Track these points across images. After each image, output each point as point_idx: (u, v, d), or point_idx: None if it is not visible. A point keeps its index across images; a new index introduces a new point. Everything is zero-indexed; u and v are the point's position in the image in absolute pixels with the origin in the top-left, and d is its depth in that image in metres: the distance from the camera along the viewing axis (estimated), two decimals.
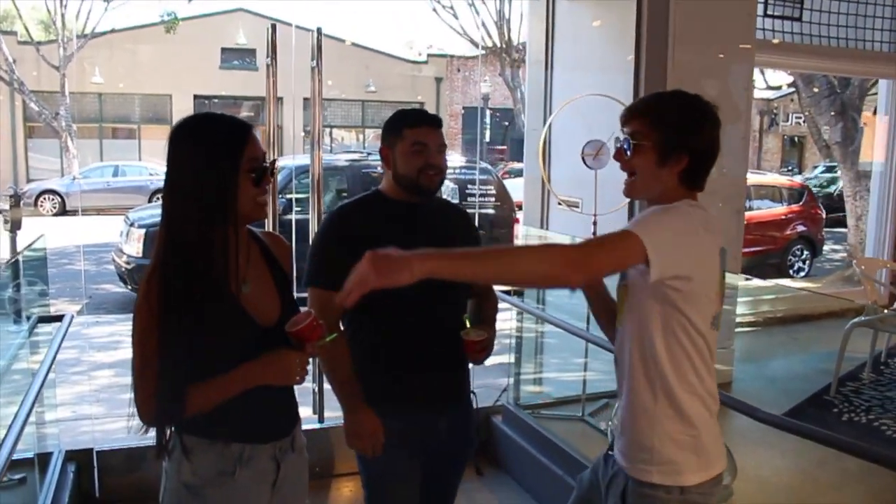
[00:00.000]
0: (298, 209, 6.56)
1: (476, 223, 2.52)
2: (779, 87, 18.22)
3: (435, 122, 2.18)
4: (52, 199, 16.54)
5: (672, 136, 1.66)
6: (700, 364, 1.69)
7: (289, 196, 7.21)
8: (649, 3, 3.53)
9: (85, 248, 9.83)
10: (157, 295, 1.61)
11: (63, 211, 16.32)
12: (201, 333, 1.63)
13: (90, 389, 4.80)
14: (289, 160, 6.13)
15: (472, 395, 2.36)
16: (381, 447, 2.10)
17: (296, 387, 1.85)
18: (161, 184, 1.75)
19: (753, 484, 3.45)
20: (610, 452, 1.88)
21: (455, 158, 11.49)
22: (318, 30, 3.24)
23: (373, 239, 2.14)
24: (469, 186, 9.27)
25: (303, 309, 1.80)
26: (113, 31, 19.48)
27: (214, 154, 1.65)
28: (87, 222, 12.65)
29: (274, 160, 1.76)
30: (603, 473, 1.88)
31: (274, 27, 3.21)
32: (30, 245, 3.42)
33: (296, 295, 1.90)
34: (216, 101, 22.35)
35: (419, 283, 2.02)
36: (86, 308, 7.77)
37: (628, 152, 1.71)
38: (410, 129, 2.14)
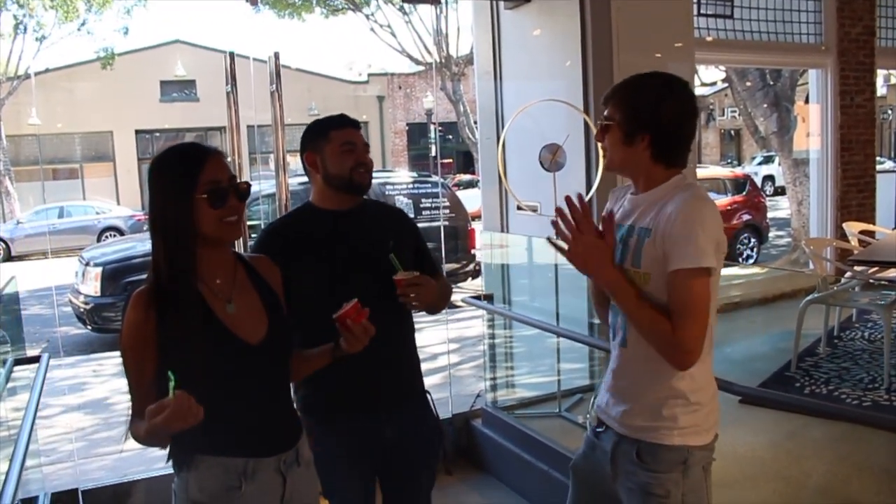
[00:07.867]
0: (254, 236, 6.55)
1: (442, 235, 2.55)
2: (713, 84, 18.72)
3: (357, 124, 2.29)
4: None
5: (632, 116, 1.80)
6: (708, 343, 1.80)
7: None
8: (592, 10, 3.66)
9: (37, 292, 9.63)
10: (154, 323, 1.67)
11: (9, 257, 15.87)
12: (190, 354, 1.67)
13: (64, 432, 4.74)
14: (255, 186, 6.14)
15: (427, 395, 2.37)
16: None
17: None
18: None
19: (729, 460, 3.59)
20: (599, 429, 1.95)
21: (404, 175, 11.41)
22: (276, 54, 3.25)
23: (304, 252, 2.17)
24: (423, 200, 9.34)
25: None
26: (47, 70, 19.13)
27: (167, 182, 1.73)
28: (35, 266, 12.35)
29: (246, 182, 1.81)
30: (602, 452, 1.93)
31: (232, 56, 3.24)
32: (2, 288, 3.39)
33: None
34: (158, 134, 22.07)
35: (355, 287, 1.99)
36: (45, 352, 7.59)
37: (602, 132, 1.88)
38: (337, 131, 2.22)
